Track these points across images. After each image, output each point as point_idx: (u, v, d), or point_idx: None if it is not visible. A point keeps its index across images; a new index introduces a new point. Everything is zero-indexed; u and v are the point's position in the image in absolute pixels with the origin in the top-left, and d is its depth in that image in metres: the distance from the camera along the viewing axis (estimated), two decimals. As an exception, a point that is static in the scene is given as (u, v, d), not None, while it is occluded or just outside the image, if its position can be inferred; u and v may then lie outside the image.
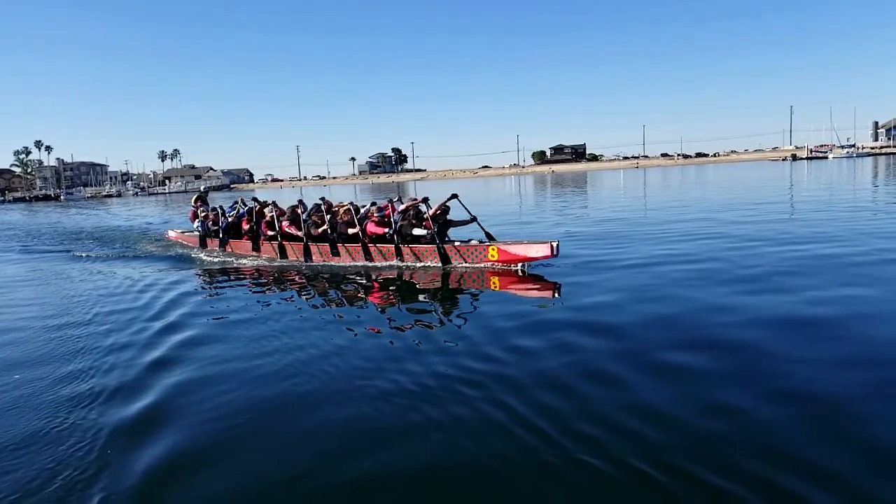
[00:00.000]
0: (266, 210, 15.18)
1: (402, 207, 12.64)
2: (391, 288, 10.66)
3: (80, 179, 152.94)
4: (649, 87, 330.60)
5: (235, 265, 14.09)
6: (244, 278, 12.32)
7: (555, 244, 10.79)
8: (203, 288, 11.32)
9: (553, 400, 5.00)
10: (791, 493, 3.61)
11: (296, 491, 3.94)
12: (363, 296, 10.23)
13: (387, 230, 12.45)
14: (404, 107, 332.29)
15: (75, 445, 4.66)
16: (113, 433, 4.85)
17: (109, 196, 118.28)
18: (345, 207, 13.59)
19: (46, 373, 6.39)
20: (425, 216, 12.15)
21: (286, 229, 14.17)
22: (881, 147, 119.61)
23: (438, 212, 12.12)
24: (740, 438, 4.25)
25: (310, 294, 10.41)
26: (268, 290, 10.97)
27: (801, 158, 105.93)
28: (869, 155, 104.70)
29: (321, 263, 13.29)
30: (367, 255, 12.72)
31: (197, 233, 17.32)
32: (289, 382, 5.77)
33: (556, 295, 9.15)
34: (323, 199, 14.14)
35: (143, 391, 5.74)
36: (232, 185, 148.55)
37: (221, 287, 11.39)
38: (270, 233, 14.63)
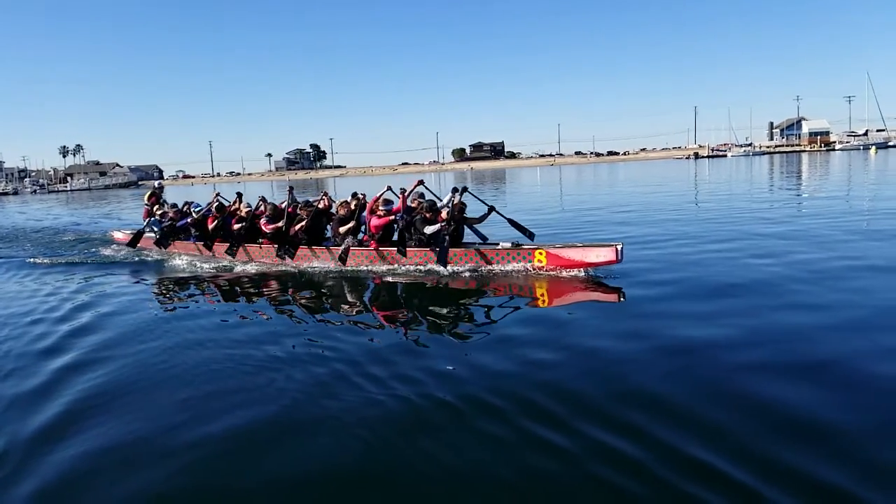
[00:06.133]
0: (242, 206, 13.29)
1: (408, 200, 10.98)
2: (328, 291, 10.23)
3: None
4: (564, 87, 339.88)
5: (193, 269, 12.55)
6: (203, 283, 11.19)
7: (619, 247, 9.13)
8: (152, 295, 10.37)
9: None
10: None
11: (215, 493, 3.90)
12: (331, 302, 9.26)
13: (394, 221, 10.95)
14: (323, 102, 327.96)
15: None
16: (10, 443, 4.63)
17: (5, 194, 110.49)
18: (341, 200, 12.01)
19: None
20: (440, 209, 10.52)
21: (265, 228, 12.28)
22: (776, 146, 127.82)
23: (458, 207, 10.56)
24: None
25: (291, 302, 9.42)
26: (232, 295, 10.10)
27: (703, 157, 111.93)
28: (765, 153, 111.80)
29: (308, 267, 11.57)
30: (366, 258, 11.01)
31: (150, 233, 15.16)
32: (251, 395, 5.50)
33: (622, 297, 8.11)
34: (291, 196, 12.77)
35: (51, 395, 5.51)
36: (140, 182, 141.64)
37: (168, 295, 10.34)
38: (241, 231, 12.78)
